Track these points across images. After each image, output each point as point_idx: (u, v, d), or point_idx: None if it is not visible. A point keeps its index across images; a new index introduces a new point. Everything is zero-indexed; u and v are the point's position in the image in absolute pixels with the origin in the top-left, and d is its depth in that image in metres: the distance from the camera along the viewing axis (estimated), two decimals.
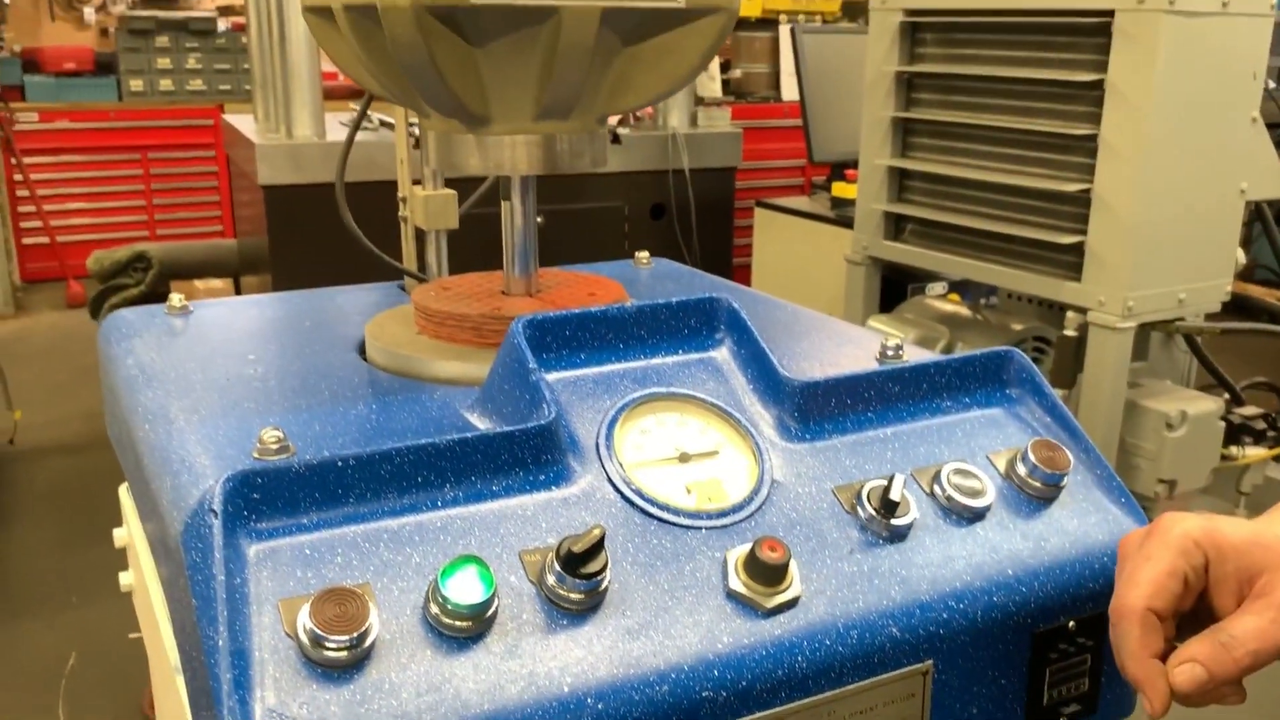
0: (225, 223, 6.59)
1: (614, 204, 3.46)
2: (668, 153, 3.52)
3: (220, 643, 0.59)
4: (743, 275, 3.74)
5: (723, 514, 0.73)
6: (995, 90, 2.15)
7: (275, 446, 0.73)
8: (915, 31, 2.30)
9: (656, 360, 0.83)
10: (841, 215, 3.06)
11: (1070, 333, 2.03)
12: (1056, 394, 2.12)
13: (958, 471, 0.79)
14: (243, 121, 3.56)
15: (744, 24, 5.41)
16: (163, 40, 6.59)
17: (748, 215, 3.64)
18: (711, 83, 5.18)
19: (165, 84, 6.62)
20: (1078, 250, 2.01)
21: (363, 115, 1.17)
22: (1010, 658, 0.76)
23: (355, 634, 0.60)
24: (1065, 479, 0.81)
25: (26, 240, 6.28)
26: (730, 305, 0.86)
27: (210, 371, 0.92)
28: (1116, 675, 0.80)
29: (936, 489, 0.79)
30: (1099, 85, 1.94)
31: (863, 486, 0.77)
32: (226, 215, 6.58)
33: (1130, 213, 1.92)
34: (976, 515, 0.78)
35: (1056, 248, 2.04)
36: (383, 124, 3.00)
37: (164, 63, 6.61)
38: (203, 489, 0.67)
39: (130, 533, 1.08)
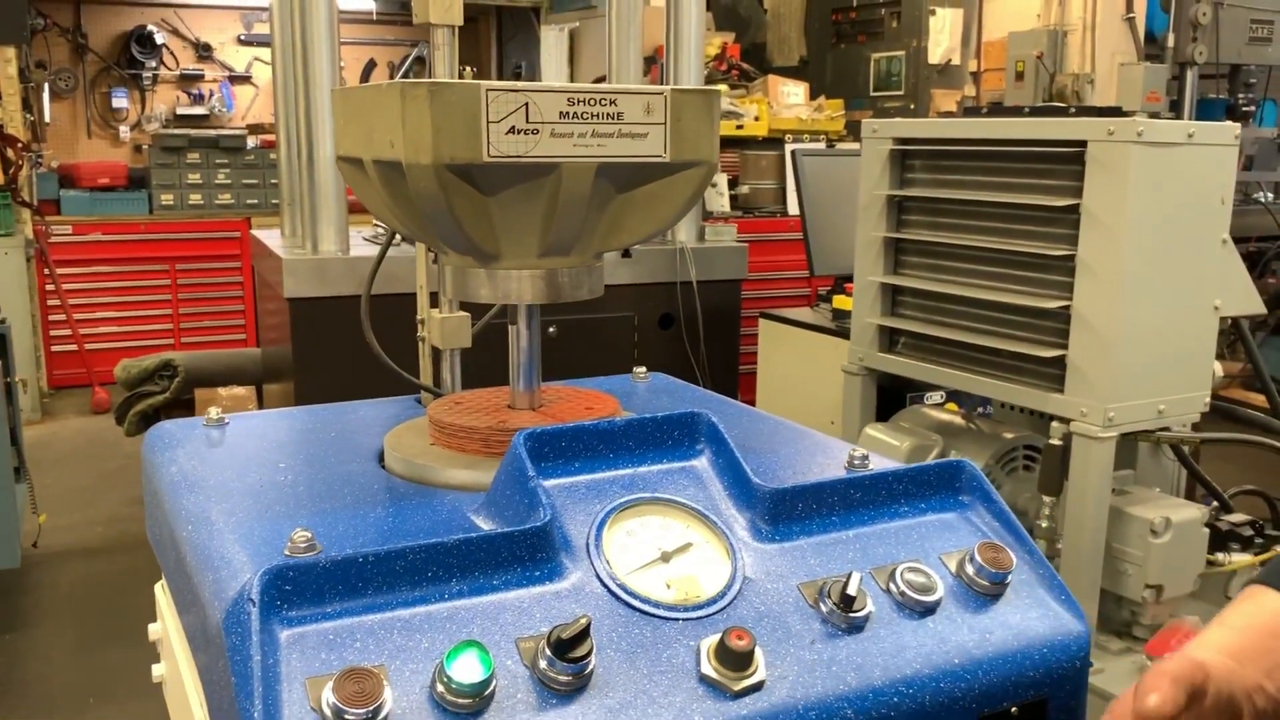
0: (249, 332, 6.77)
1: (624, 314, 3.59)
2: (676, 266, 3.66)
3: (255, 715, 0.69)
4: (749, 383, 3.85)
5: (698, 607, 0.83)
6: (980, 213, 2.29)
7: (304, 545, 0.83)
8: (905, 158, 2.45)
9: (643, 469, 0.93)
10: (842, 326, 3.18)
11: (1055, 442, 2.12)
12: (1046, 501, 2.19)
13: (911, 570, 0.88)
14: (269, 236, 3.72)
15: (751, 143, 5.62)
16: (194, 156, 6.88)
17: (754, 325, 3.77)
18: (720, 198, 5.38)
19: (195, 198, 6.88)
20: (1060, 363, 2.11)
21: (388, 245, 1.29)
22: None
23: (371, 708, 0.69)
24: (1009, 577, 0.90)
25: (55, 348, 6.46)
26: (710, 420, 0.96)
27: (246, 478, 1.03)
28: None
29: (892, 586, 0.88)
30: (1075, 209, 2.07)
31: (824, 583, 0.86)
32: (250, 324, 6.77)
33: (1108, 328, 2.03)
34: (928, 609, 0.87)
35: (1040, 361, 2.15)
36: (404, 239, 3.15)
37: (194, 178, 6.88)
38: (241, 582, 0.77)
39: (164, 627, 1.17)
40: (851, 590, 0.84)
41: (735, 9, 7.28)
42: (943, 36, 6.55)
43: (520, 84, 0.91)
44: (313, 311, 3.08)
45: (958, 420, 2.53)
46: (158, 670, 1.22)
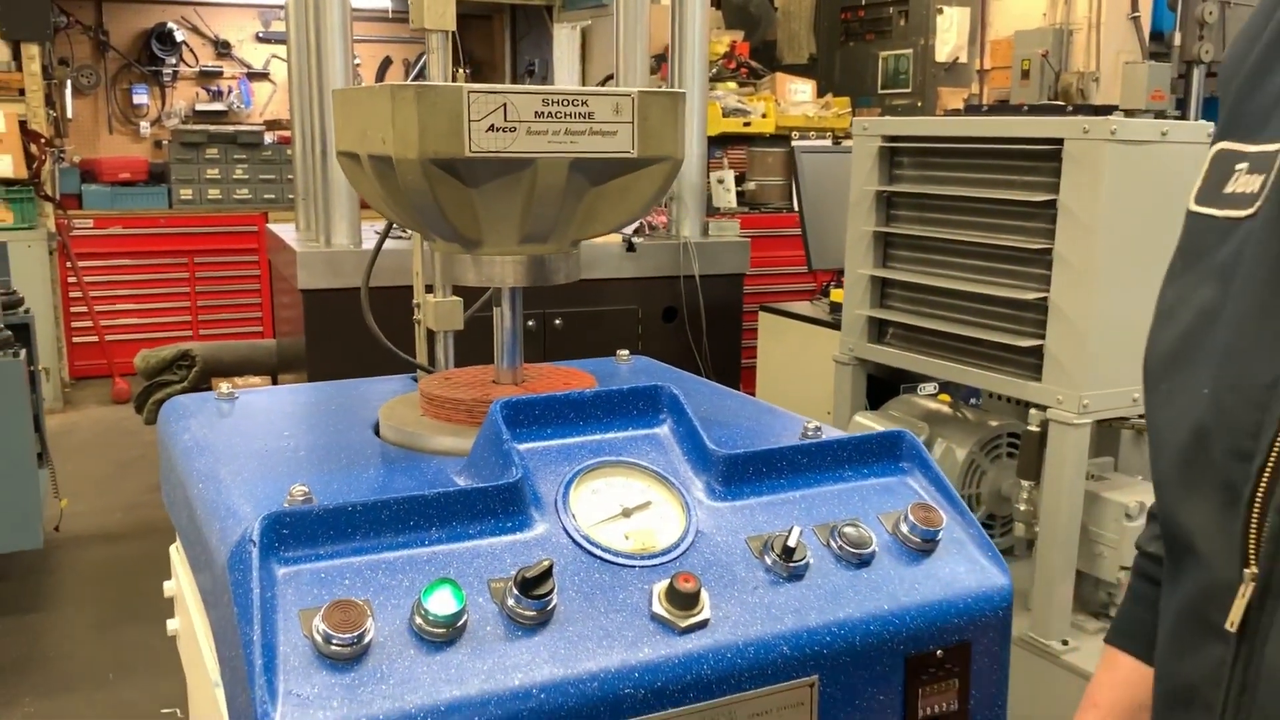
0: (265, 324, 6.90)
1: (628, 307, 3.68)
2: (679, 260, 3.75)
3: (255, 639, 0.79)
4: (750, 374, 3.94)
5: (653, 556, 0.92)
6: (964, 208, 2.37)
7: (301, 498, 0.93)
8: (893, 155, 2.53)
9: (609, 435, 1.03)
10: (837, 319, 3.26)
11: (1033, 428, 2.21)
12: (1025, 485, 2.27)
13: (849, 525, 0.98)
14: (285, 230, 3.83)
15: (759, 139, 5.71)
16: (212, 152, 7.02)
17: (757, 318, 3.85)
18: (727, 194, 5.46)
19: (213, 193, 7.02)
20: (1037, 353, 2.20)
21: (384, 238, 1.39)
22: (887, 677, 0.93)
23: (356, 634, 0.79)
24: (940, 535, 0.99)
25: (76, 339, 6.61)
26: (671, 392, 1.06)
27: (252, 444, 1.13)
28: (985, 701, 0.97)
29: (831, 540, 0.97)
30: (1052, 204, 2.15)
31: (769, 537, 0.95)
32: (267, 316, 6.90)
33: (1082, 319, 2.11)
34: (863, 561, 0.96)
35: (1019, 350, 2.24)
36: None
37: (212, 173, 7.02)
38: (245, 528, 0.86)
39: (179, 584, 1.28)
40: (792, 542, 0.93)
41: (746, 7, 7.36)
42: (950, 35, 6.62)
43: (499, 86, 1.00)
44: (326, 303, 3.18)
45: (945, 409, 2.61)
46: (172, 625, 1.32)
